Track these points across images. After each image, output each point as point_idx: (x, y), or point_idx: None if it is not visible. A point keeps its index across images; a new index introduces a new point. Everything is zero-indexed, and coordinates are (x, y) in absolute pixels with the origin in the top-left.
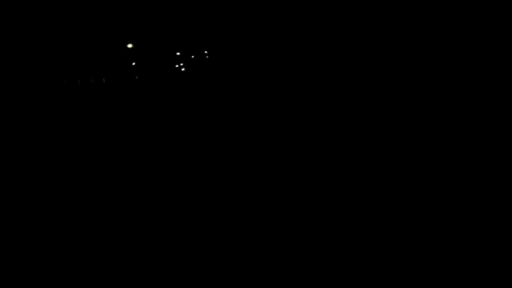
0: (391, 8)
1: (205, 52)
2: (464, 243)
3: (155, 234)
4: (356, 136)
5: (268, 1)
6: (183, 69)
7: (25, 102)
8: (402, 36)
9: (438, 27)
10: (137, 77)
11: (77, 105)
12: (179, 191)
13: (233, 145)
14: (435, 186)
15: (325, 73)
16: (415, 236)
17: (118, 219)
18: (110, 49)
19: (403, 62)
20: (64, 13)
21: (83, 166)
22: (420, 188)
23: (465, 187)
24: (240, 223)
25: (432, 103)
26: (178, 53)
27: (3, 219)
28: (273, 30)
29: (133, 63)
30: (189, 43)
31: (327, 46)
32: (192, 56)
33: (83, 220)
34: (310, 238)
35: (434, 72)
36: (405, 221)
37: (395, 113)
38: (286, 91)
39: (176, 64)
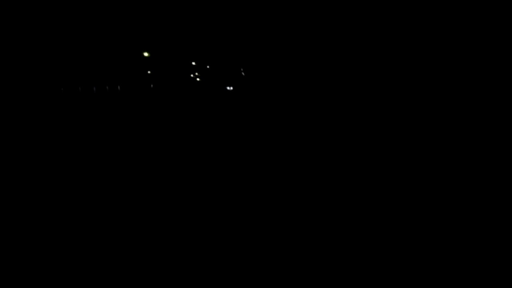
0: (391, 8)
1: (220, 62)
2: (464, 243)
3: (160, 234)
4: (357, 137)
5: (283, 13)
6: (198, 79)
7: (39, 107)
8: (402, 37)
9: (438, 27)
10: (152, 85)
11: (92, 111)
12: (189, 197)
13: (245, 154)
14: (434, 186)
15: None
16: (414, 236)
17: (141, 221)
18: (125, 57)
19: (403, 63)
20: (81, 21)
21: (97, 171)
22: (419, 188)
23: (465, 186)
24: (245, 223)
25: (432, 103)
26: (193, 63)
27: (13, 220)
28: (289, 41)
29: (148, 72)
30: (205, 53)
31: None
32: (208, 66)
33: (96, 221)
34: (309, 238)
35: (434, 72)
36: (405, 221)
37: (396, 113)
38: (300, 101)
39: (191, 73)
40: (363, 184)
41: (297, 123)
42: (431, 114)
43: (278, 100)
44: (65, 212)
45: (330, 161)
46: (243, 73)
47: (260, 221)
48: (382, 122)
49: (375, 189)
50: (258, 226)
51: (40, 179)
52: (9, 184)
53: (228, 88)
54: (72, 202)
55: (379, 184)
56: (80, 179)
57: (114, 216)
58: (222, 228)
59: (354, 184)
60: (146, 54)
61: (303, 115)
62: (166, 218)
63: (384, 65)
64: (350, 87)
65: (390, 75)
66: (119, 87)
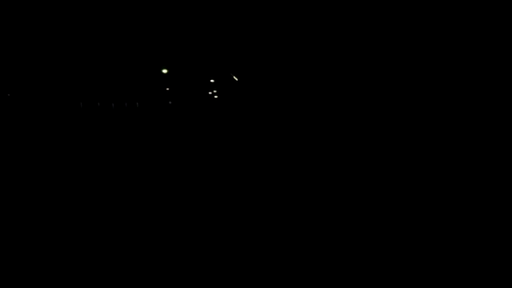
0: (391, 9)
1: (238, 80)
2: (464, 243)
3: (164, 234)
4: (358, 138)
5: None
6: (215, 96)
7: (59, 121)
8: (402, 37)
9: (438, 27)
10: (170, 102)
11: (110, 127)
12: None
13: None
14: (434, 186)
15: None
16: (414, 236)
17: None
18: (144, 73)
19: (403, 64)
20: (102, 39)
21: (113, 185)
22: (419, 187)
23: (464, 186)
24: (247, 223)
25: (432, 103)
26: (212, 80)
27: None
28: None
29: (167, 89)
30: (223, 71)
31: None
32: (226, 84)
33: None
34: (309, 238)
35: (434, 72)
36: (405, 220)
37: (396, 114)
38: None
39: (209, 91)
40: (363, 183)
41: (309, 137)
42: (431, 114)
43: (293, 116)
44: (92, 221)
45: (334, 162)
46: (260, 92)
47: (271, 221)
48: (383, 123)
49: (375, 188)
50: (268, 226)
51: (58, 190)
52: (30, 190)
53: (246, 106)
54: (91, 215)
55: (379, 183)
56: (97, 191)
57: (140, 227)
58: (241, 230)
59: (353, 183)
60: (165, 71)
61: (313, 127)
62: (190, 228)
63: (385, 67)
64: (355, 92)
65: (390, 77)
66: (137, 104)
